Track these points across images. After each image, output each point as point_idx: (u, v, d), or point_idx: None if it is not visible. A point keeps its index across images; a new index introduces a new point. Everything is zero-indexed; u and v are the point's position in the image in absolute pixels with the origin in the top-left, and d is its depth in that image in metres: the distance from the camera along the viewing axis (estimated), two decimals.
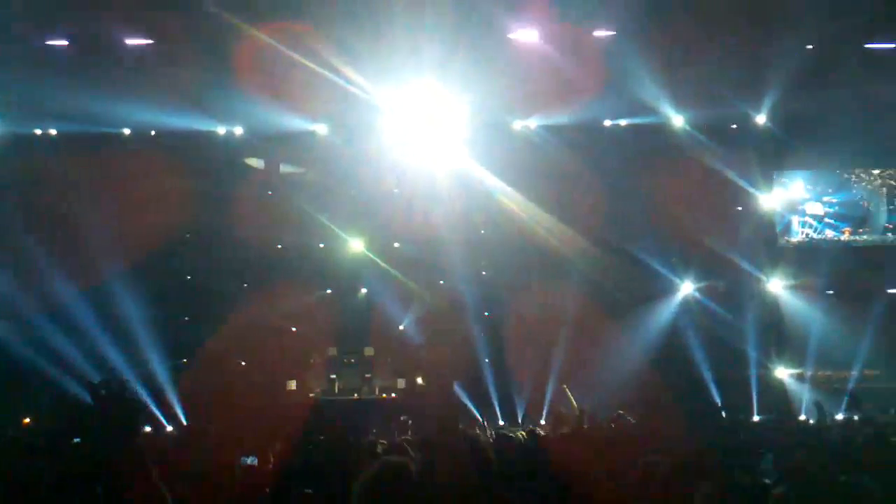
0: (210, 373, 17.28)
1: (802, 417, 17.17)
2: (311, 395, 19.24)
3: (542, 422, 17.52)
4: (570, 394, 15.50)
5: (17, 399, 15.74)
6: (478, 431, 13.69)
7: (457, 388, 16.43)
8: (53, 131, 19.17)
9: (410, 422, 13.87)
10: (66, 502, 5.10)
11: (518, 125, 19.71)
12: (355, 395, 19.52)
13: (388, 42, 16.78)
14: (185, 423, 16.45)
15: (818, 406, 14.32)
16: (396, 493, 3.49)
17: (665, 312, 19.76)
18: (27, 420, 14.08)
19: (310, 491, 6.09)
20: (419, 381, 19.70)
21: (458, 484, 4.80)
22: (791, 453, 8.73)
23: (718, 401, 17.88)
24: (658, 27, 16.67)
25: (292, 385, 19.11)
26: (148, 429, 15.36)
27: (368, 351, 20.36)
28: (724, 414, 16.08)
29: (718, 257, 19.62)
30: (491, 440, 12.04)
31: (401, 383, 19.63)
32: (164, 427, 16.45)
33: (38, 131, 19.15)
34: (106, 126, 18.77)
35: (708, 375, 18.45)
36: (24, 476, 6.37)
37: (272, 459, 9.79)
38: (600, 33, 16.89)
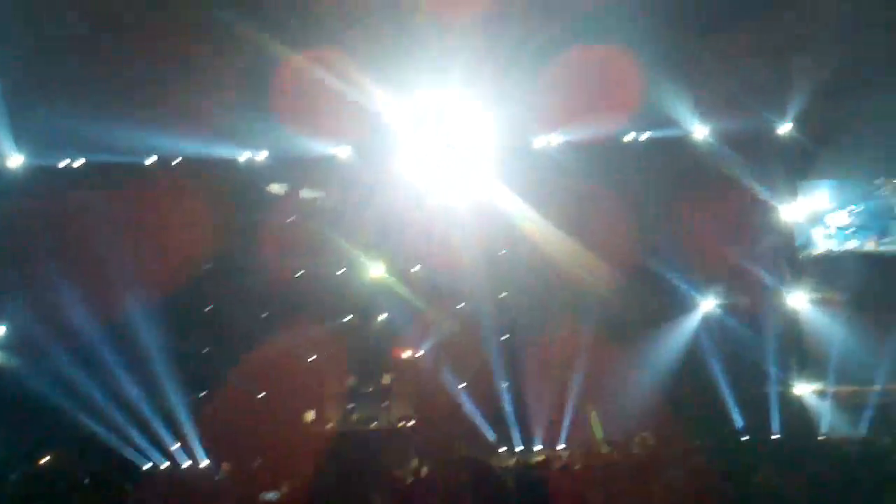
0: (228, 405, 17.40)
1: (822, 436, 17.07)
2: (329, 425, 19.28)
3: (562, 446, 17.54)
4: (595, 419, 15.51)
5: (33, 435, 15.93)
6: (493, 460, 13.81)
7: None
8: (77, 162, 19.21)
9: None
10: None
11: (538, 143, 19.64)
12: (374, 424, 19.51)
13: (408, 63, 16.94)
14: (204, 458, 16.61)
15: None
16: None
17: (684, 330, 19.52)
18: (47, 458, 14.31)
19: None
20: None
21: None
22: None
23: (738, 419, 17.78)
24: (678, 37, 16.65)
25: (310, 416, 19.16)
26: (167, 464, 15.60)
27: (386, 379, 20.28)
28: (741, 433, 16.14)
29: (738, 271, 19.43)
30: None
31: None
32: (183, 463, 16.62)
33: (62, 163, 19.19)
34: (128, 155, 18.85)
35: (727, 393, 18.25)
36: None
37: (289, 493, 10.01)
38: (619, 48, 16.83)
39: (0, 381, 17.52)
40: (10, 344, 18.11)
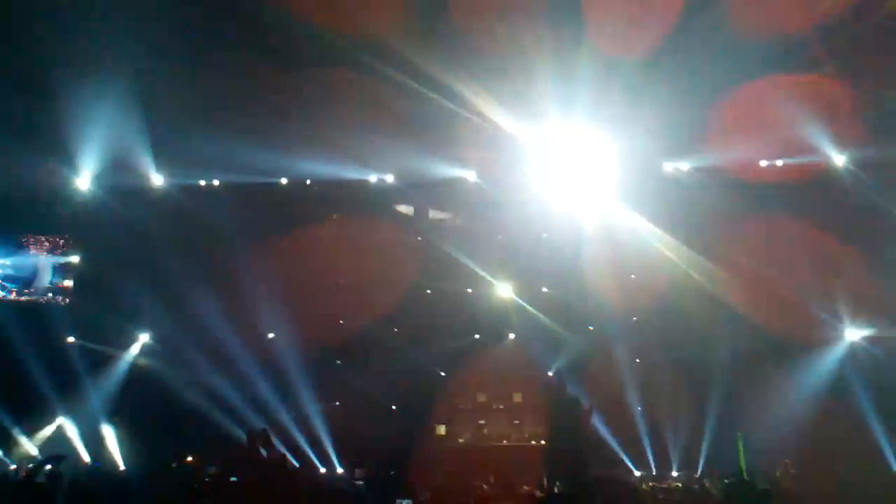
0: (362, 416, 17.50)
1: None
2: (461, 440, 19.22)
3: (697, 473, 16.94)
4: (741, 446, 14.91)
5: (178, 438, 16.41)
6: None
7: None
8: (216, 182, 19.74)
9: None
10: None
11: (669, 167, 19.18)
12: (504, 441, 19.38)
13: (537, 87, 16.81)
14: (338, 465, 16.76)
15: None
16: None
17: (830, 360, 18.67)
18: (190, 458, 14.65)
19: None
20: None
21: None
22: None
23: (891, 455, 16.80)
24: (816, 65, 16.10)
25: (442, 430, 19.13)
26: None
27: (517, 397, 20.14)
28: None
29: (885, 303, 18.47)
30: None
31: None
32: (317, 469, 16.74)
33: (202, 182, 19.78)
34: (264, 176, 19.27)
35: (878, 427, 17.26)
36: None
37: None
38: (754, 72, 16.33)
39: (149, 385, 18.36)
40: (162, 352, 18.77)
